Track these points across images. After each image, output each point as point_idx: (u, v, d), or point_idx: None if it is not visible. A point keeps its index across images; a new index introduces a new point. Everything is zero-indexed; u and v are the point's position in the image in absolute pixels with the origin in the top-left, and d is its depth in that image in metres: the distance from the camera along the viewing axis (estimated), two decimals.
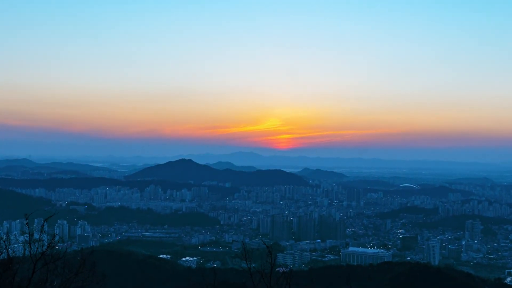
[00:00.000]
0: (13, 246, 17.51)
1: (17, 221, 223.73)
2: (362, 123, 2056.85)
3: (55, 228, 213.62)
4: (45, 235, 17.67)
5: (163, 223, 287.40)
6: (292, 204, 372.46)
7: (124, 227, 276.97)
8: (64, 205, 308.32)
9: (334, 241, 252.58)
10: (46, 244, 17.28)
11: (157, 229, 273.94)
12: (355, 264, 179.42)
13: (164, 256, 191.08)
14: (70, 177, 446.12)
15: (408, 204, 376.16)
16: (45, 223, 18.09)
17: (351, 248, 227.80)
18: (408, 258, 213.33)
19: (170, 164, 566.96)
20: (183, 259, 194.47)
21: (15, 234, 19.48)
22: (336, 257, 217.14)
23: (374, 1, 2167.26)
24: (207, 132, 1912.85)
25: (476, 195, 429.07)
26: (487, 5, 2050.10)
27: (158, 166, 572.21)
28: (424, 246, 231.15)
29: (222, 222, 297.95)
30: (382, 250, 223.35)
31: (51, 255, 17.17)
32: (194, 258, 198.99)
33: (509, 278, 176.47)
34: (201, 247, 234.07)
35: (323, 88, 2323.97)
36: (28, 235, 17.12)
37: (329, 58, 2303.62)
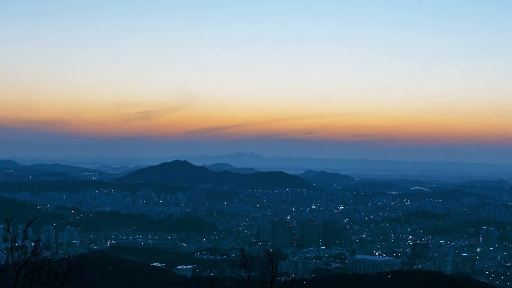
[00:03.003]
0: None
1: (0, 226, 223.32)
2: (369, 122, 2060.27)
3: (41, 234, 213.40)
4: (28, 242, 17.52)
5: (157, 229, 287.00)
6: (294, 209, 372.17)
7: (115, 233, 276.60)
8: (50, 209, 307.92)
9: (340, 248, 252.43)
10: (29, 251, 17.14)
11: (150, 235, 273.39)
12: (362, 272, 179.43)
13: (158, 264, 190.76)
14: (57, 180, 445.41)
15: (419, 209, 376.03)
16: (28, 229, 17.94)
17: (357, 256, 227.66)
18: (419, 267, 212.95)
19: (164, 165, 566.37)
20: (178, 267, 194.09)
21: None
22: (341, 265, 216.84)
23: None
24: (203, 131, 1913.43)
25: (492, 199, 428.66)
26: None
27: (151, 168, 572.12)
28: (436, 254, 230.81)
29: (219, 228, 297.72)
30: (391, 258, 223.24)
31: (35, 262, 17.03)
32: (190, 267, 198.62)
33: None
34: (197, 254, 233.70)
35: (326, 85, 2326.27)
36: (10, 241, 16.97)
37: (333, 53, 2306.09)
